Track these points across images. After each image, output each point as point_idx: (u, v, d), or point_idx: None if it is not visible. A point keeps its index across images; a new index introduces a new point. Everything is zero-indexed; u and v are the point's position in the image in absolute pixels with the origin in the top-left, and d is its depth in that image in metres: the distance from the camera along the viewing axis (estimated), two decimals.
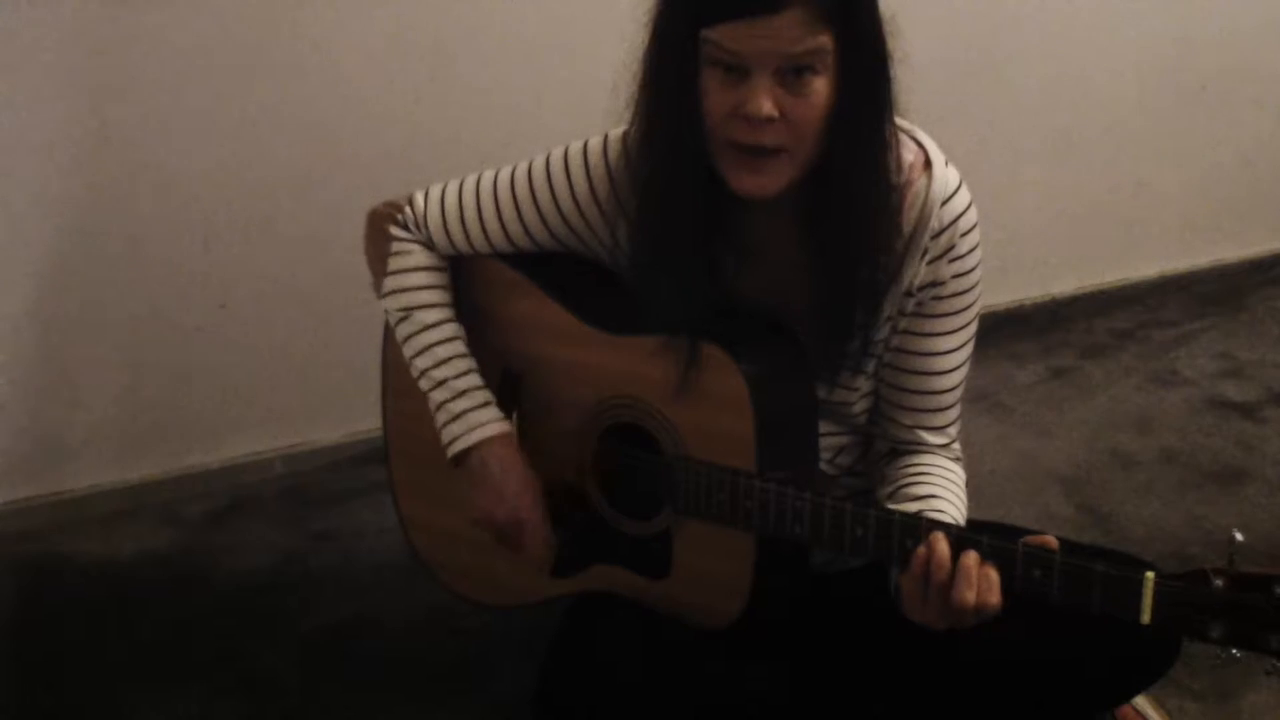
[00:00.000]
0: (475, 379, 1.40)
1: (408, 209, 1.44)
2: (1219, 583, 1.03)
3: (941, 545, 1.12)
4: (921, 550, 1.13)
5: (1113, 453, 2.34)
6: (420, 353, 1.41)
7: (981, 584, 1.11)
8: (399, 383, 1.53)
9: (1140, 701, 1.59)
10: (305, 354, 2.28)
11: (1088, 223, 2.87)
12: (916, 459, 1.35)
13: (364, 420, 2.30)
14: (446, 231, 1.41)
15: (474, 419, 1.38)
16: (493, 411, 1.40)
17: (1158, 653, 1.29)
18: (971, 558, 1.11)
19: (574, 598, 1.42)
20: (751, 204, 1.22)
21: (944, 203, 1.25)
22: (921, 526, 1.16)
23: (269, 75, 2.08)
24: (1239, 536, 1.04)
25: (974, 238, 1.28)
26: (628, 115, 1.26)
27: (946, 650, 1.19)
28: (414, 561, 1.62)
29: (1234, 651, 1.04)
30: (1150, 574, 1.06)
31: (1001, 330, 2.76)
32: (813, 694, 1.36)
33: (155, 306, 2.16)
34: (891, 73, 1.18)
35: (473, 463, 1.39)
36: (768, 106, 1.12)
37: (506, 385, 1.44)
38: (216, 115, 2.07)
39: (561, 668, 1.34)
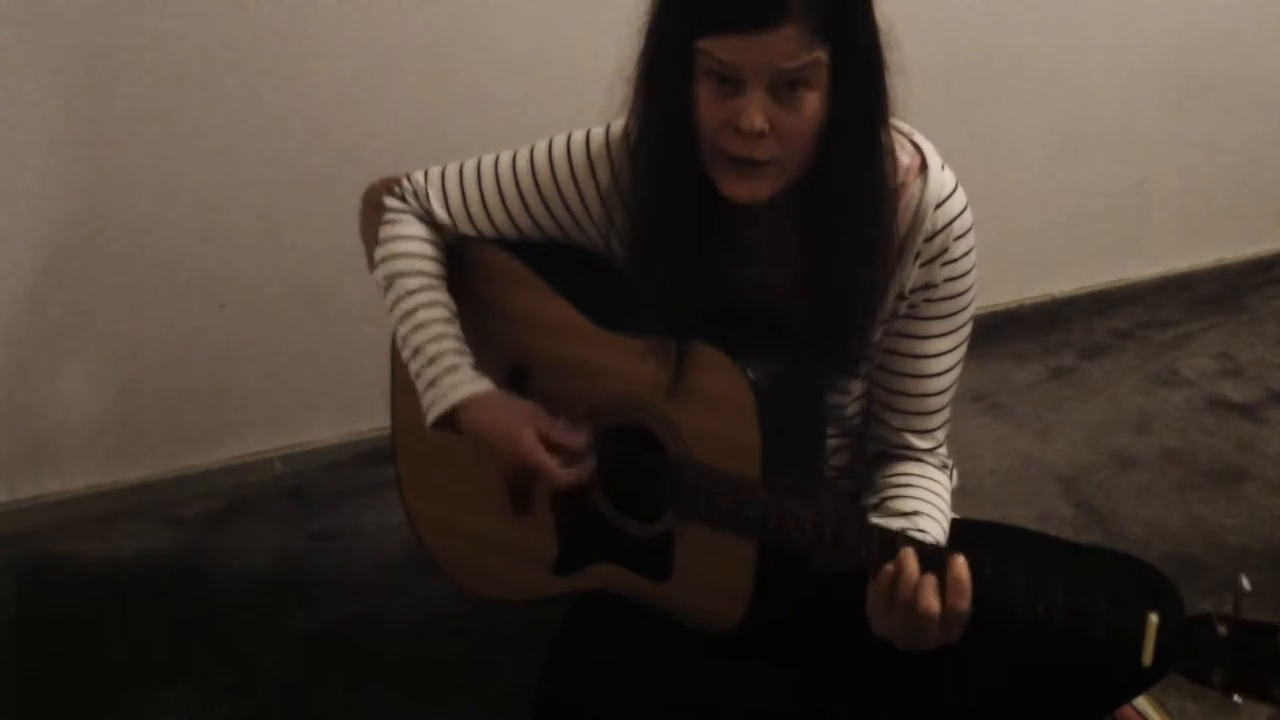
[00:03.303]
0: (450, 343, 1.36)
1: (406, 182, 1.43)
2: (1222, 629, 1.02)
3: (912, 562, 1.12)
4: (890, 568, 1.13)
5: (1113, 453, 2.33)
6: (402, 318, 1.38)
7: (954, 589, 1.10)
8: (406, 377, 1.53)
9: (1140, 702, 1.59)
10: (305, 354, 2.28)
11: (1088, 223, 2.86)
12: (902, 467, 1.35)
13: (364, 420, 2.31)
14: (447, 207, 1.41)
15: (447, 383, 1.34)
16: (465, 373, 1.35)
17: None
18: (958, 565, 1.10)
19: (574, 597, 1.42)
20: (749, 207, 1.22)
21: (938, 205, 1.25)
22: (924, 549, 1.14)
23: (268, 75, 2.07)
24: (1246, 585, 1.03)
25: (968, 241, 1.28)
26: (625, 115, 1.25)
27: (948, 653, 1.18)
28: (415, 560, 1.62)
29: (1235, 698, 1.03)
30: (1154, 617, 1.05)
31: (1001, 330, 2.76)
32: (814, 696, 1.36)
33: (155, 306, 2.16)
34: (887, 83, 1.18)
35: (463, 429, 1.35)
36: (760, 120, 1.12)
37: (514, 381, 1.44)
38: (216, 115, 2.07)
39: (561, 668, 1.34)
